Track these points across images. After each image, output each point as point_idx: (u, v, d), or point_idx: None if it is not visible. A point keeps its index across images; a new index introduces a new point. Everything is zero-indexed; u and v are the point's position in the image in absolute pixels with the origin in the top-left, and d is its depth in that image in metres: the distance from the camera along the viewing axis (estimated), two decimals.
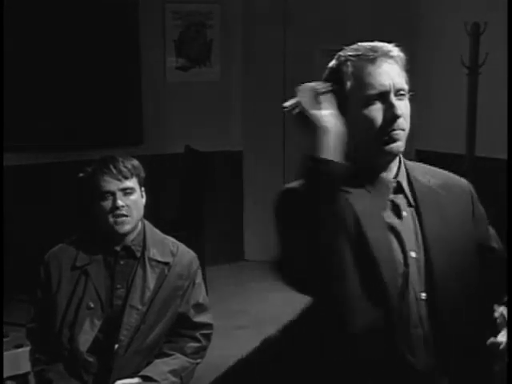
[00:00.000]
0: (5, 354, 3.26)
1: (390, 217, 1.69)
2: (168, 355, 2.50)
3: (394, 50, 1.70)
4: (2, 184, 4.62)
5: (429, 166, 1.84)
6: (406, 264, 1.66)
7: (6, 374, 3.18)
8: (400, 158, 1.75)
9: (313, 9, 5.79)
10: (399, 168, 1.74)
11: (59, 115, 5.22)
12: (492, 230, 1.85)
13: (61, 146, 5.27)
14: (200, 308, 2.57)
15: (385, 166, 1.71)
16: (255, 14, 5.86)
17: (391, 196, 1.71)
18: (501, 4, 4.35)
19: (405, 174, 1.75)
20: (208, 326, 2.60)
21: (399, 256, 1.66)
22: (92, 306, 2.44)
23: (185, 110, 5.73)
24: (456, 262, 1.70)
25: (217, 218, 5.73)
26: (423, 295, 1.65)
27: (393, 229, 1.68)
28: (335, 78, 1.72)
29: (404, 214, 1.70)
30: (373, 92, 1.66)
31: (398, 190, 1.72)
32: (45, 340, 2.50)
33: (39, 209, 5.10)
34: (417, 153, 4.92)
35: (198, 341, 2.56)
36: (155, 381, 2.43)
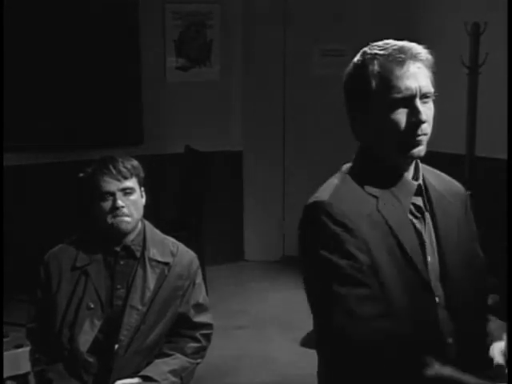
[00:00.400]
0: (5, 354, 3.25)
1: (412, 219, 1.70)
2: (168, 355, 2.50)
3: (422, 52, 1.69)
4: (2, 184, 4.62)
5: (432, 168, 1.85)
6: (427, 268, 1.68)
7: (6, 374, 3.18)
8: (417, 160, 1.75)
9: (312, 9, 5.79)
10: (416, 169, 1.74)
11: (59, 115, 5.22)
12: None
13: (61, 146, 5.26)
14: (200, 308, 2.57)
15: (406, 167, 1.72)
16: (255, 13, 5.85)
17: (413, 198, 1.71)
18: (501, 4, 4.35)
19: (421, 175, 1.75)
20: (208, 326, 2.60)
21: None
22: (92, 306, 2.44)
23: (185, 110, 5.73)
24: (463, 266, 1.72)
25: (217, 218, 5.73)
26: (436, 299, 1.67)
27: (418, 232, 1.69)
28: (359, 73, 1.69)
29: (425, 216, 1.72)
30: (398, 95, 1.64)
31: (419, 191, 1.73)
32: (45, 340, 2.50)
33: (39, 209, 5.10)
34: None
35: (198, 341, 2.56)
36: (155, 381, 2.43)
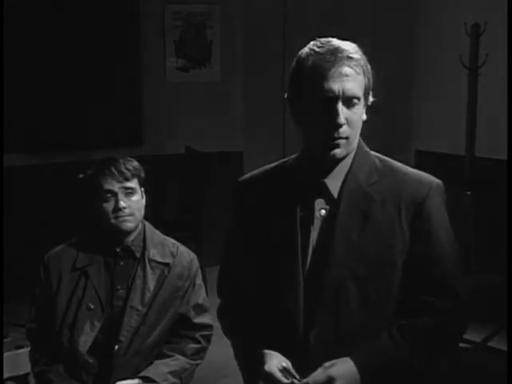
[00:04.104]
0: (5, 354, 3.26)
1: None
2: (168, 356, 2.50)
3: (357, 56, 1.67)
4: (2, 184, 4.63)
5: (396, 166, 1.79)
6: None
7: (6, 375, 3.19)
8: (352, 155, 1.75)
9: (312, 9, 5.79)
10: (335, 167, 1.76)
11: (59, 116, 5.22)
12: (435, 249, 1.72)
13: (60, 147, 5.26)
14: (200, 309, 2.58)
15: (326, 166, 1.75)
16: (255, 14, 5.86)
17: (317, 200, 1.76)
18: (501, 4, 4.35)
19: (344, 171, 1.75)
20: (208, 327, 2.60)
21: None
22: (92, 306, 2.44)
23: (185, 110, 5.73)
24: (356, 269, 1.70)
25: (216, 218, 5.72)
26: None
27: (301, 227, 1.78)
28: (297, 68, 1.74)
29: (322, 212, 1.75)
30: (321, 96, 1.65)
31: (320, 193, 1.76)
32: (45, 341, 2.50)
33: (39, 209, 5.10)
34: (417, 153, 4.98)
35: (198, 342, 2.56)
36: (155, 382, 2.43)
